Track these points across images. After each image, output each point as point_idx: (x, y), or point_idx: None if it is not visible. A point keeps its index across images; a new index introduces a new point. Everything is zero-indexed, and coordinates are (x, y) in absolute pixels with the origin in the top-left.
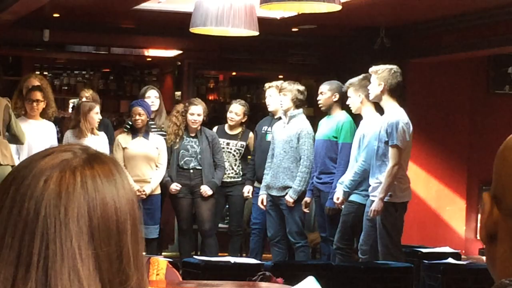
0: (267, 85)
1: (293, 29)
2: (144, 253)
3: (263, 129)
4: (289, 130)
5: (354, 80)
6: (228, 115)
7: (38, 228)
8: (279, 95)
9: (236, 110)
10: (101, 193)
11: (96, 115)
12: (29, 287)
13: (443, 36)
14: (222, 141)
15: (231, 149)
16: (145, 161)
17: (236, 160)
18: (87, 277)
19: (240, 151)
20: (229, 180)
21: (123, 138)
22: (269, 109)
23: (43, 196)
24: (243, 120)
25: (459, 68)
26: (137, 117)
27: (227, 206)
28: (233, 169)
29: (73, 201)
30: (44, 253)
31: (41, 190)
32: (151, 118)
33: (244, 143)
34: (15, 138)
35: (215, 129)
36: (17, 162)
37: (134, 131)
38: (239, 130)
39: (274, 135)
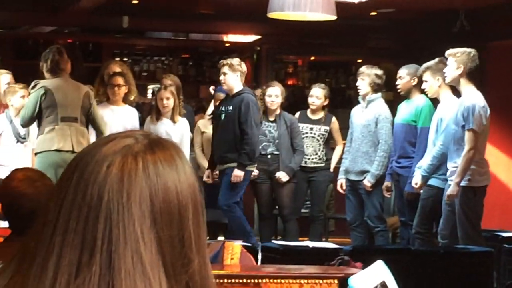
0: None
1: (372, 13)
2: (222, 238)
3: None
4: (367, 114)
5: (431, 63)
6: (309, 99)
7: (102, 212)
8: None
9: (317, 94)
10: (163, 178)
11: (166, 100)
12: (93, 271)
13: None
14: (306, 126)
15: (314, 134)
16: None
17: (320, 145)
18: (150, 260)
19: (324, 135)
20: (312, 165)
21: (203, 123)
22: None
23: (106, 181)
24: (324, 104)
25: None
26: (218, 102)
27: (309, 191)
28: (316, 154)
29: (135, 186)
30: (107, 237)
31: (103, 176)
32: None
33: (327, 128)
34: (95, 127)
35: (297, 114)
36: None
37: (215, 116)
38: (321, 114)
39: (353, 119)
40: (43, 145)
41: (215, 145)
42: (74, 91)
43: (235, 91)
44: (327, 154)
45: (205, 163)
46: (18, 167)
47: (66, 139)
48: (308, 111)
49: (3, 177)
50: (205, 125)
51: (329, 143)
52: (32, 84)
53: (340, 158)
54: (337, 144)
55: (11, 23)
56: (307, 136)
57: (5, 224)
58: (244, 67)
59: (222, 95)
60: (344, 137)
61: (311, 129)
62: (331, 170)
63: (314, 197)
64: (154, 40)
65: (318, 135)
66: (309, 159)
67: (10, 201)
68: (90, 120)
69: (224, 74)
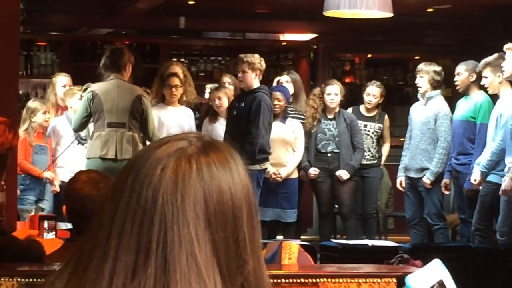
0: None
1: (428, 9)
2: (281, 237)
3: None
4: (426, 111)
5: (490, 59)
6: (365, 97)
7: (156, 215)
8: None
9: (374, 92)
10: (217, 180)
11: (218, 100)
12: (149, 273)
13: None
14: (360, 123)
15: (368, 131)
16: (282, 145)
17: (373, 142)
18: (205, 261)
19: (378, 133)
20: (365, 162)
21: None
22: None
23: (160, 184)
24: (379, 102)
25: None
26: (276, 102)
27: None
28: (370, 151)
29: (189, 188)
30: (162, 240)
31: (158, 178)
32: (289, 102)
33: (381, 126)
34: (144, 132)
35: (349, 110)
36: None
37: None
38: (375, 112)
39: (412, 116)
40: (90, 151)
41: (224, 140)
42: (124, 96)
43: (252, 88)
44: (379, 152)
45: None
46: (80, 169)
47: (110, 146)
48: (362, 108)
49: (63, 178)
50: None
51: (380, 140)
52: (84, 87)
53: (388, 156)
54: (386, 142)
55: (69, 25)
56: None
57: (67, 226)
58: (263, 64)
59: (278, 94)
60: (402, 134)
61: (365, 126)
62: (381, 167)
63: (367, 194)
64: (211, 40)
65: (372, 133)
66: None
67: (74, 203)
68: (141, 125)
69: (244, 72)
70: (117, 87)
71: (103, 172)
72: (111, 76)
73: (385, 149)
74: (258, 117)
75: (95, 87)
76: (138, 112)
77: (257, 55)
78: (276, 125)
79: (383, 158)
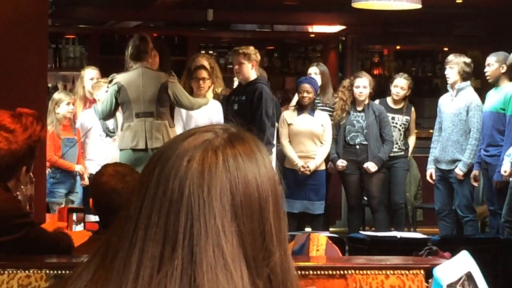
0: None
1: (457, 1)
2: (309, 229)
3: None
4: (457, 103)
5: None
6: (393, 89)
7: (183, 207)
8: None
9: (402, 84)
10: (243, 172)
11: None
12: (175, 265)
13: None
14: (387, 116)
15: (396, 123)
16: (310, 138)
17: (400, 134)
18: (231, 253)
19: (405, 125)
20: (392, 154)
21: (288, 114)
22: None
23: (187, 175)
24: (407, 94)
25: None
26: (305, 94)
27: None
28: (397, 143)
29: (215, 180)
30: (189, 231)
31: (184, 170)
32: (317, 94)
33: (408, 118)
34: (186, 108)
35: (376, 101)
36: None
37: (300, 108)
38: (402, 104)
39: (442, 108)
40: (122, 143)
41: None
42: (149, 85)
43: (249, 80)
44: (405, 144)
45: (292, 155)
46: (107, 162)
47: (140, 137)
48: (389, 100)
49: (92, 171)
50: (291, 117)
51: (406, 132)
52: (109, 78)
53: (417, 147)
54: (411, 134)
55: (97, 18)
56: None
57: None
58: (258, 56)
59: (307, 86)
60: (431, 126)
61: (393, 118)
62: (408, 158)
63: (394, 185)
64: (239, 33)
65: (400, 125)
66: None
67: (100, 196)
68: (178, 106)
69: (240, 63)
70: (142, 76)
71: (135, 163)
72: (136, 65)
73: (411, 141)
74: (261, 109)
75: (120, 78)
76: (165, 99)
77: (252, 47)
78: (305, 117)
79: (410, 150)
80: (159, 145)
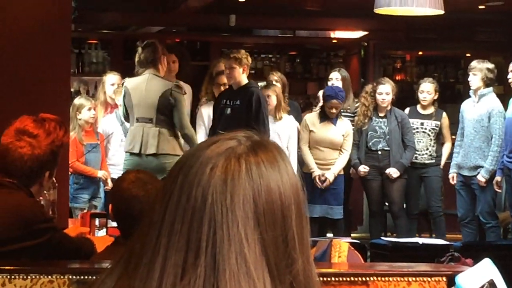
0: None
1: (480, 7)
2: (331, 235)
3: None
4: (479, 109)
5: None
6: (420, 95)
7: (206, 214)
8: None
9: (428, 89)
10: (266, 179)
11: (268, 98)
12: (198, 272)
13: None
14: (416, 121)
15: (425, 128)
16: (330, 146)
17: (431, 140)
18: (254, 261)
19: (435, 130)
20: (423, 161)
21: (311, 120)
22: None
23: (210, 183)
24: (435, 98)
25: None
26: (333, 110)
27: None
28: (427, 149)
29: (238, 187)
30: (212, 239)
31: (207, 178)
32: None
33: (438, 123)
34: (176, 128)
35: (407, 110)
36: None
37: (323, 115)
38: (431, 109)
39: (464, 114)
40: (125, 145)
41: None
42: (151, 91)
43: (241, 84)
44: (437, 151)
45: (310, 161)
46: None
47: (136, 141)
48: (418, 106)
49: (114, 176)
50: (314, 123)
51: (439, 138)
52: (122, 81)
53: (450, 154)
54: (446, 140)
55: (120, 23)
56: (418, 131)
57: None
58: (249, 60)
59: (336, 102)
60: (453, 132)
61: (422, 124)
62: (441, 166)
63: (430, 194)
64: (261, 38)
65: (429, 130)
66: (419, 154)
67: (120, 202)
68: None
69: (231, 67)
70: (146, 82)
71: (132, 166)
72: (145, 72)
73: (446, 148)
74: (261, 113)
75: (127, 82)
76: (166, 107)
77: (243, 51)
78: (327, 125)
79: (443, 158)
80: (152, 151)
